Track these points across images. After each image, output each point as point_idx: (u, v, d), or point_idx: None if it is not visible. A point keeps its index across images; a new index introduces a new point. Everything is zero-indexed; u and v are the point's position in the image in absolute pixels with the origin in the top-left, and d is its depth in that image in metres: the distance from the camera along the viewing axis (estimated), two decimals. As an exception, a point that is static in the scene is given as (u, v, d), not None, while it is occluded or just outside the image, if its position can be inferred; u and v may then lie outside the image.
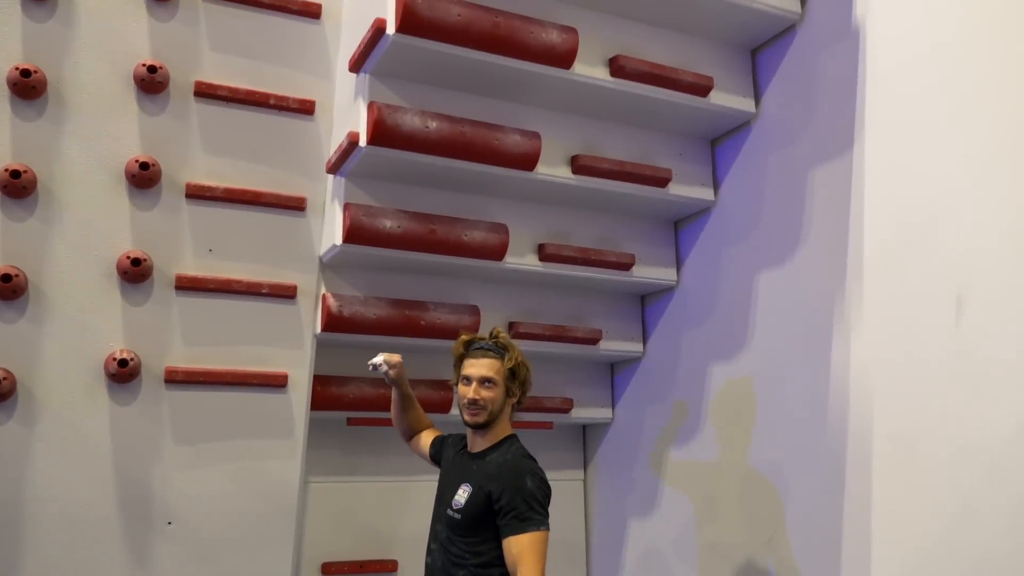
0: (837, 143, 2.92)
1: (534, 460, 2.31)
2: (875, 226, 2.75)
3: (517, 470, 2.23)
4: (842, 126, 2.91)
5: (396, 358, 2.60)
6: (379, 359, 2.58)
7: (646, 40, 3.17)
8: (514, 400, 2.36)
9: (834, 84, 2.97)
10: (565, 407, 3.73)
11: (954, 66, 2.52)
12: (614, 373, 3.98)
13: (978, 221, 2.40)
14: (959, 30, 2.52)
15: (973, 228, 2.42)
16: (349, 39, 3.17)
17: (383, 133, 2.81)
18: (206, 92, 3.11)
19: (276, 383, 3.13)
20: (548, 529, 2.17)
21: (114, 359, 2.88)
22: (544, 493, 2.22)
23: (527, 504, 2.16)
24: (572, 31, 2.92)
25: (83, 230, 2.93)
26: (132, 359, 2.90)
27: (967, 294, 2.41)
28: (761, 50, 3.36)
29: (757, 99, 3.35)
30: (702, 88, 3.19)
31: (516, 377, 2.33)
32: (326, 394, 3.25)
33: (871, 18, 2.86)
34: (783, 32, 3.25)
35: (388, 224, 3.01)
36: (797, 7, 3.17)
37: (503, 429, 2.35)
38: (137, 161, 2.96)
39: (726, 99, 3.28)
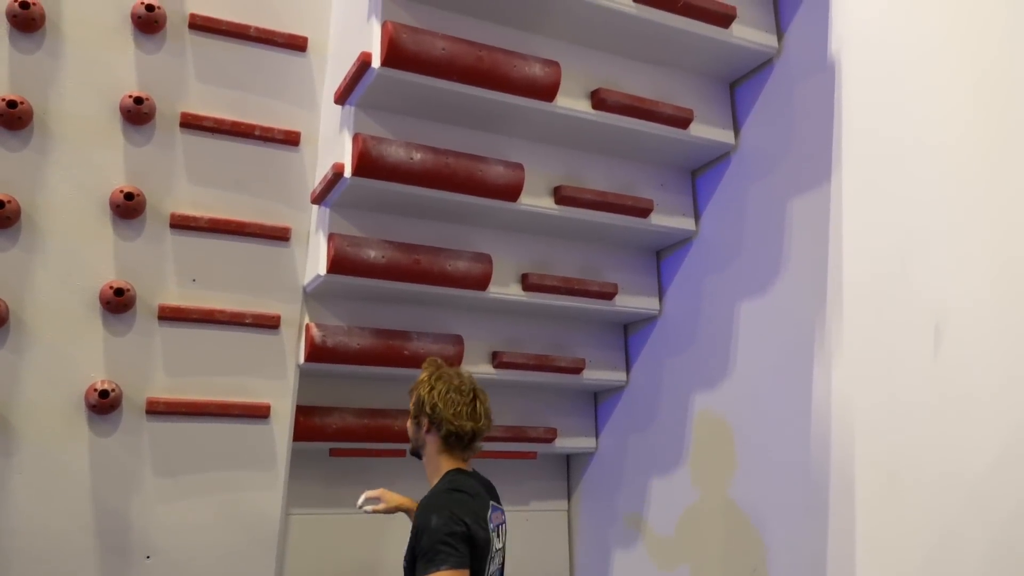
0: (815, 174, 2.97)
1: (453, 493, 2.21)
2: (853, 257, 2.80)
3: (426, 509, 2.17)
4: (819, 158, 2.96)
5: (376, 493, 2.53)
6: (361, 499, 2.52)
7: (627, 73, 3.23)
8: (425, 430, 2.32)
9: (811, 116, 3.03)
10: (548, 437, 3.73)
11: (929, 98, 2.58)
12: (598, 402, 3.99)
13: (955, 251, 2.44)
14: (934, 64, 2.58)
15: (950, 258, 2.45)
16: (335, 71, 3.21)
17: (368, 164, 2.84)
18: (192, 123, 3.13)
19: (258, 414, 3.12)
20: (457, 567, 2.06)
21: (95, 390, 2.86)
22: (450, 530, 2.09)
23: (431, 543, 2.08)
24: (555, 65, 2.97)
25: (66, 260, 2.92)
26: (113, 390, 2.89)
27: (945, 324, 2.45)
28: (739, 83, 3.43)
29: (736, 131, 3.40)
30: (682, 120, 3.25)
31: (416, 403, 2.34)
32: (309, 424, 3.24)
33: (845, 53, 2.93)
34: (760, 66, 3.32)
35: (372, 254, 3.02)
36: (774, 42, 3.24)
37: (436, 466, 2.32)
38: (122, 191, 2.97)
39: (706, 131, 3.33)
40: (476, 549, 2.15)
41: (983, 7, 2.44)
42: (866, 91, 2.83)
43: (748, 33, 3.17)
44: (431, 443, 2.33)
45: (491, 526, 2.26)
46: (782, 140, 3.17)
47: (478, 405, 2.33)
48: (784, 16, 3.26)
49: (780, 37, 3.25)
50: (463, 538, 2.11)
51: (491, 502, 2.35)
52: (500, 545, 2.32)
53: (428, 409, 2.30)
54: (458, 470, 2.32)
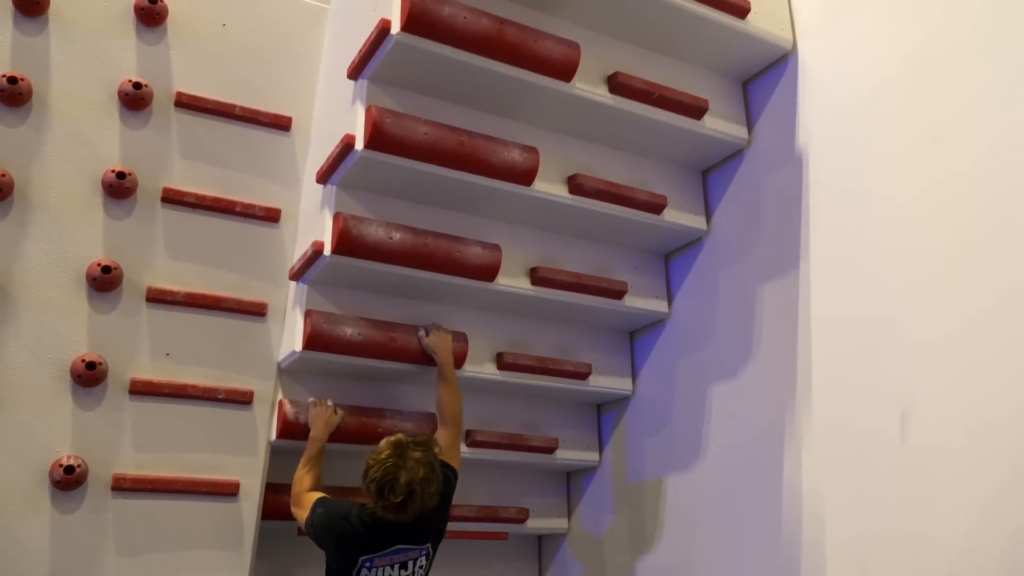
0: (784, 261, 3.06)
1: (338, 506, 2.69)
2: (822, 342, 2.86)
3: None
4: (788, 245, 3.06)
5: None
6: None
7: (603, 160, 3.33)
8: None
9: (780, 205, 3.13)
10: (520, 517, 3.69)
11: (895, 190, 2.69)
12: (571, 482, 3.97)
13: (921, 338, 2.51)
14: (900, 156, 2.70)
15: (916, 345, 2.52)
16: (317, 151, 3.28)
17: (348, 243, 2.87)
18: (173, 198, 3.16)
19: (227, 491, 3.06)
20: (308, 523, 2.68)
21: (60, 465, 2.81)
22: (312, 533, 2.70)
23: None
24: (533, 151, 3.06)
25: (38, 332, 2.89)
26: (79, 465, 2.83)
27: (912, 410, 2.50)
28: (711, 171, 3.54)
29: (708, 217, 3.50)
30: (656, 206, 3.34)
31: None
32: (278, 503, 3.18)
33: (813, 145, 3.06)
34: (732, 156, 3.44)
35: (349, 331, 3.03)
36: (744, 133, 3.36)
37: None
38: (99, 264, 2.97)
39: (679, 217, 3.42)
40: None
41: (950, 101, 2.56)
42: (833, 182, 2.95)
43: (719, 124, 3.30)
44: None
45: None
46: (752, 227, 3.27)
47: (409, 504, 2.48)
48: (754, 109, 3.40)
49: (750, 129, 3.38)
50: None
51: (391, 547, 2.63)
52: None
53: (364, 483, 2.52)
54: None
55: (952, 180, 2.51)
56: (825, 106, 3.05)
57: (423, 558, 2.71)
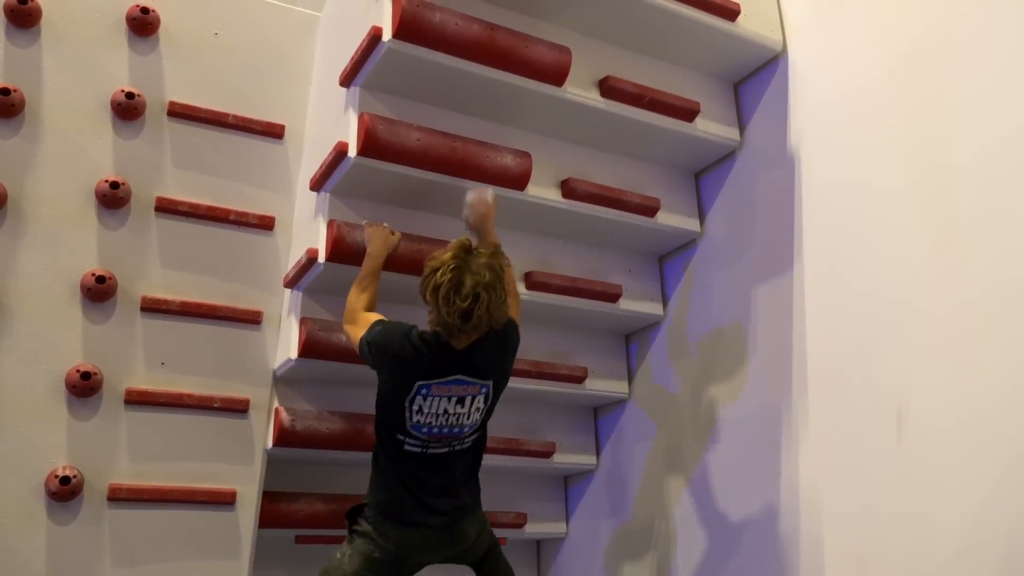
0: (778, 262, 3.06)
1: (398, 325, 2.51)
2: (816, 342, 2.87)
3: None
4: (782, 245, 3.06)
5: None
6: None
7: (596, 164, 3.34)
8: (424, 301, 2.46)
9: (773, 206, 3.14)
10: (519, 522, 3.69)
11: (887, 189, 2.70)
12: (568, 486, 3.96)
13: (916, 337, 2.52)
14: (892, 156, 2.71)
15: (911, 344, 2.53)
16: (310, 158, 3.28)
17: (342, 250, 2.88)
18: (167, 207, 3.16)
19: (224, 500, 3.06)
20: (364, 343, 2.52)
21: (56, 476, 2.80)
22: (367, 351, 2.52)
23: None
24: (526, 155, 3.07)
25: (33, 343, 2.89)
26: (75, 476, 2.82)
27: (907, 409, 2.50)
28: (704, 174, 3.55)
29: (701, 219, 3.51)
30: (649, 209, 3.34)
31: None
32: (275, 511, 3.18)
33: (805, 146, 3.07)
34: (724, 157, 3.45)
35: (344, 338, 3.01)
36: (736, 135, 3.38)
37: None
38: (93, 274, 2.97)
39: (672, 219, 3.43)
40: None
41: (939, 101, 2.57)
42: (825, 182, 2.96)
43: (711, 127, 3.31)
44: (428, 315, 2.45)
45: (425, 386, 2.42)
46: (746, 229, 3.28)
47: (475, 310, 2.33)
48: (745, 111, 3.41)
49: (742, 130, 3.40)
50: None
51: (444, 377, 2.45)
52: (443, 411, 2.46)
53: (426, 292, 2.39)
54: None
55: (944, 179, 2.52)
56: (816, 107, 3.06)
57: (481, 397, 2.51)
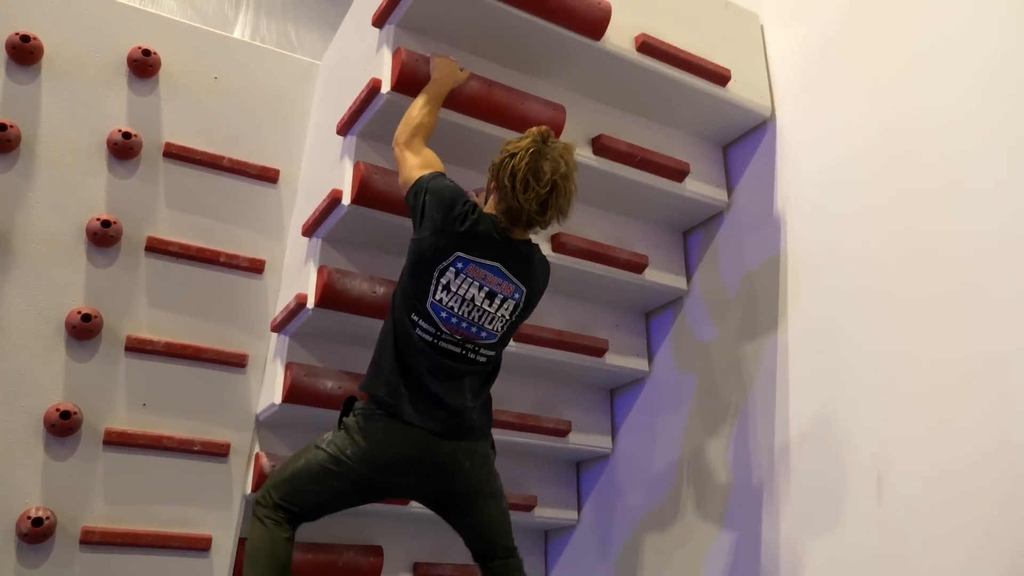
0: (762, 322, 3.10)
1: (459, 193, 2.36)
2: (798, 404, 2.89)
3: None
4: (766, 306, 3.10)
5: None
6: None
7: (587, 219, 3.38)
8: (491, 187, 2.39)
9: (758, 267, 3.19)
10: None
11: (869, 252, 2.75)
12: (548, 540, 3.92)
13: (896, 400, 2.54)
14: (874, 222, 2.77)
15: (891, 407, 2.55)
16: (303, 204, 3.30)
17: (331, 296, 2.88)
18: (157, 247, 3.16)
19: (199, 546, 3.01)
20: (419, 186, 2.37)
21: (28, 517, 2.75)
22: (427, 188, 2.35)
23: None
24: (517, 209, 3.09)
25: (14, 379, 2.86)
26: (48, 518, 2.77)
27: (887, 472, 2.52)
28: (692, 232, 3.60)
29: (688, 277, 3.55)
30: (637, 265, 3.38)
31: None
32: (251, 559, 3.12)
33: (791, 208, 3.13)
34: (712, 217, 3.50)
35: (329, 385, 3.02)
36: (724, 196, 3.44)
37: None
38: (79, 312, 2.95)
39: (660, 276, 3.47)
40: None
41: (923, 168, 2.63)
42: (810, 245, 3.01)
43: (700, 188, 3.37)
44: (490, 201, 2.37)
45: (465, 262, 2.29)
46: (731, 288, 3.31)
47: (551, 200, 2.27)
48: (734, 173, 3.48)
49: (730, 192, 3.46)
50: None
51: (498, 265, 2.33)
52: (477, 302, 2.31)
53: (500, 176, 2.31)
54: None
55: (925, 247, 2.57)
56: (802, 171, 3.13)
57: (512, 303, 2.36)
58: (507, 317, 2.37)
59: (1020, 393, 2.22)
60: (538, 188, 2.24)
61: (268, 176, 3.42)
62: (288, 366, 3.03)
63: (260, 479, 3.06)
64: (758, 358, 3.08)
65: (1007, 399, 2.25)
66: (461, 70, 2.74)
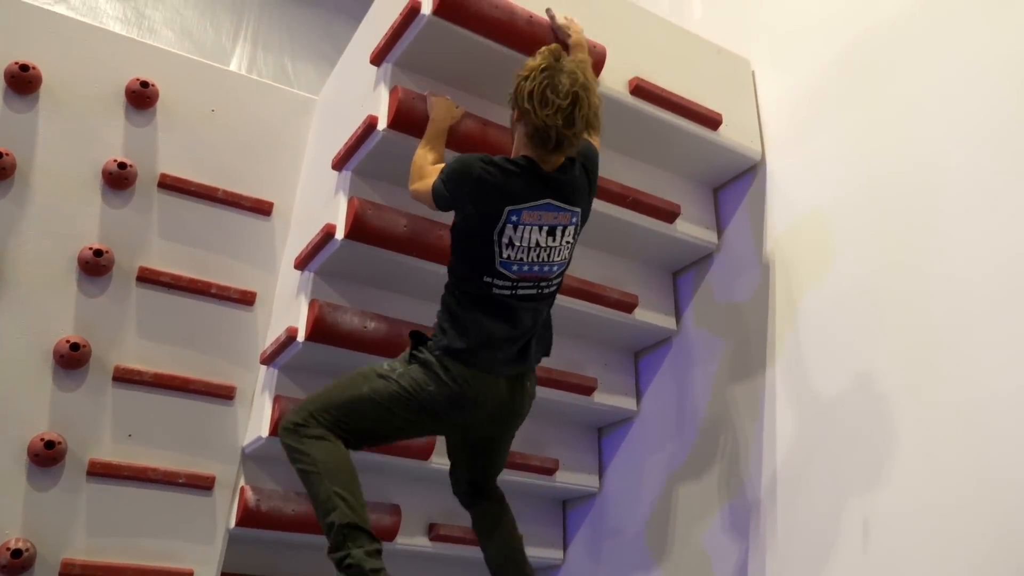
0: (751, 363, 3.12)
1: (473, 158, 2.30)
2: (785, 446, 2.89)
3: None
4: (755, 347, 3.12)
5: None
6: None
7: (578, 258, 3.35)
8: (515, 119, 2.37)
9: (747, 309, 3.21)
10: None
11: (856, 297, 2.78)
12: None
13: (883, 448, 2.55)
14: (860, 266, 2.80)
15: (878, 454, 2.56)
16: (297, 237, 3.31)
17: (322, 330, 2.88)
18: (149, 277, 3.16)
19: (180, 581, 2.97)
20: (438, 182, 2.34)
21: (8, 549, 2.71)
22: (445, 177, 2.32)
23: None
24: (510, 246, 3.11)
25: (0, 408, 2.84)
26: (27, 549, 2.73)
27: (873, 519, 2.52)
28: (682, 273, 3.63)
29: (678, 317, 3.57)
30: (628, 305, 3.40)
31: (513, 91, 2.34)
32: (232, 594, 3.09)
33: (780, 252, 3.16)
34: (702, 259, 3.53)
35: (317, 418, 3.00)
36: (714, 238, 3.47)
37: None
38: (68, 341, 2.94)
39: (649, 316, 3.48)
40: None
41: (911, 216, 2.67)
42: (798, 288, 3.04)
43: (691, 229, 3.40)
44: (517, 137, 2.34)
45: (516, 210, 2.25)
46: (720, 329, 3.33)
47: (575, 111, 2.22)
48: (724, 215, 3.52)
49: (720, 233, 3.49)
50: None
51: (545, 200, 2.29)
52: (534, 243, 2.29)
53: (517, 103, 2.28)
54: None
55: (914, 295, 2.60)
56: (791, 215, 3.17)
57: (572, 228, 2.35)
58: (571, 241, 2.38)
59: (1004, 437, 2.24)
60: (559, 101, 2.19)
61: (262, 209, 3.44)
62: (276, 399, 3.02)
63: (245, 513, 3.03)
64: (747, 399, 3.09)
65: (991, 443, 2.27)
66: (456, 107, 2.77)
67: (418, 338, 2.40)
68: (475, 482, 2.62)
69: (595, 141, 2.55)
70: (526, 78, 2.25)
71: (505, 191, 2.24)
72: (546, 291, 2.38)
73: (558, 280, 2.42)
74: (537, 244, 2.28)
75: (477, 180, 2.24)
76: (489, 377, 2.34)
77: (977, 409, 2.33)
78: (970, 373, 2.38)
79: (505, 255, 2.27)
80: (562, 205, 2.31)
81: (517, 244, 2.26)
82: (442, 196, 2.35)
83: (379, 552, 2.14)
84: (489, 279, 2.29)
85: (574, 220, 2.36)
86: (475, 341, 2.30)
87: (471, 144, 2.86)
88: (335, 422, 2.27)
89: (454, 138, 2.81)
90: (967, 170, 2.53)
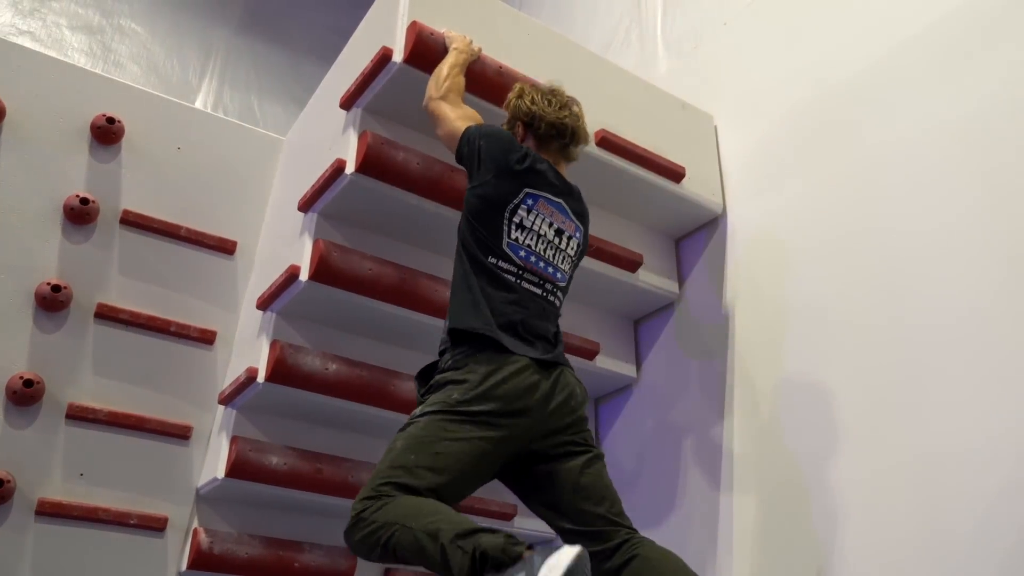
0: (709, 413, 3.16)
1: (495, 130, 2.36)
2: (741, 498, 2.93)
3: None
4: (712, 398, 3.17)
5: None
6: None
7: (540, 304, 3.43)
8: (521, 138, 2.46)
9: (706, 359, 3.26)
10: (590, 349, 3.45)
11: (815, 349, 2.84)
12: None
13: (837, 498, 2.60)
14: (817, 323, 2.87)
15: (833, 504, 2.60)
16: (260, 277, 3.30)
17: (283, 372, 2.86)
18: (107, 314, 3.12)
19: (127, 626, 2.89)
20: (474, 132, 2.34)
21: (-52, 592, 2.63)
22: (485, 132, 2.33)
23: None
24: (474, 292, 3.14)
25: (-56, 445, 2.77)
26: (-32, 593, 2.65)
27: (827, 570, 2.55)
28: (643, 322, 3.68)
29: (638, 366, 3.61)
30: (589, 352, 3.43)
31: (511, 114, 2.51)
32: (181, 640, 3.01)
33: (739, 303, 3.23)
34: (663, 308, 3.59)
35: (274, 461, 2.97)
36: (675, 288, 3.53)
37: None
38: (21, 378, 2.88)
39: (610, 364, 3.52)
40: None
41: (868, 270, 2.74)
42: (757, 339, 3.10)
43: (652, 279, 3.46)
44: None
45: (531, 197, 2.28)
46: (679, 379, 3.38)
47: (575, 107, 2.46)
48: (685, 265, 3.58)
49: (681, 284, 3.55)
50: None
51: (556, 198, 2.35)
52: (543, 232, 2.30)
53: (523, 114, 2.43)
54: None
55: (871, 343, 2.67)
56: (751, 267, 3.24)
57: (575, 241, 2.37)
58: (572, 257, 2.37)
59: (952, 495, 2.30)
60: (562, 98, 2.44)
61: (225, 247, 3.42)
62: (234, 440, 2.98)
63: (197, 555, 2.97)
64: (703, 449, 3.13)
65: (940, 501, 2.32)
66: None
67: (427, 370, 2.25)
68: (596, 527, 2.15)
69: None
70: (519, 96, 2.46)
71: (529, 174, 2.28)
72: (549, 298, 2.28)
73: (561, 294, 2.35)
74: (545, 236, 2.28)
75: (508, 154, 2.27)
76: (509, 361, 2.08)
77: (921, 466, 2.39)
78: (917, 432, 2.43)
79: (513, 236, 2.23)
80: (571, 215, 2.38)
81: (527, 227, 2.25)
82: (468, 150, 2.33)
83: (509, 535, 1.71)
84: (494, 260, 2.21)
85: (577, 235, 2.40)
86: (486, 321, 2.12)
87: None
88: (388, 488, 1.92)
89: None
90: (928, 225, 2.61)
